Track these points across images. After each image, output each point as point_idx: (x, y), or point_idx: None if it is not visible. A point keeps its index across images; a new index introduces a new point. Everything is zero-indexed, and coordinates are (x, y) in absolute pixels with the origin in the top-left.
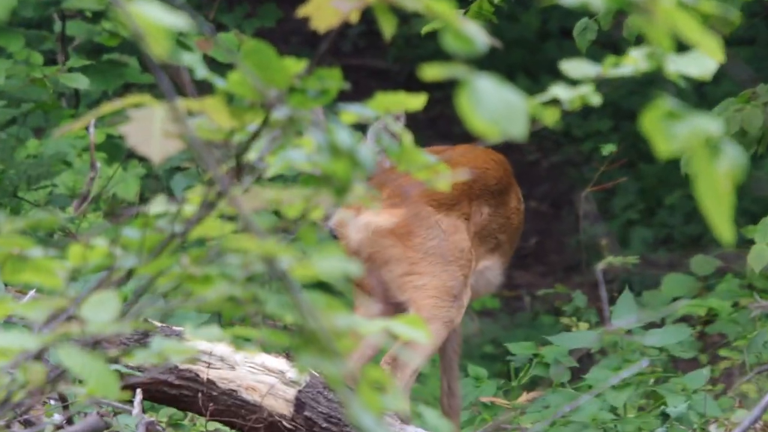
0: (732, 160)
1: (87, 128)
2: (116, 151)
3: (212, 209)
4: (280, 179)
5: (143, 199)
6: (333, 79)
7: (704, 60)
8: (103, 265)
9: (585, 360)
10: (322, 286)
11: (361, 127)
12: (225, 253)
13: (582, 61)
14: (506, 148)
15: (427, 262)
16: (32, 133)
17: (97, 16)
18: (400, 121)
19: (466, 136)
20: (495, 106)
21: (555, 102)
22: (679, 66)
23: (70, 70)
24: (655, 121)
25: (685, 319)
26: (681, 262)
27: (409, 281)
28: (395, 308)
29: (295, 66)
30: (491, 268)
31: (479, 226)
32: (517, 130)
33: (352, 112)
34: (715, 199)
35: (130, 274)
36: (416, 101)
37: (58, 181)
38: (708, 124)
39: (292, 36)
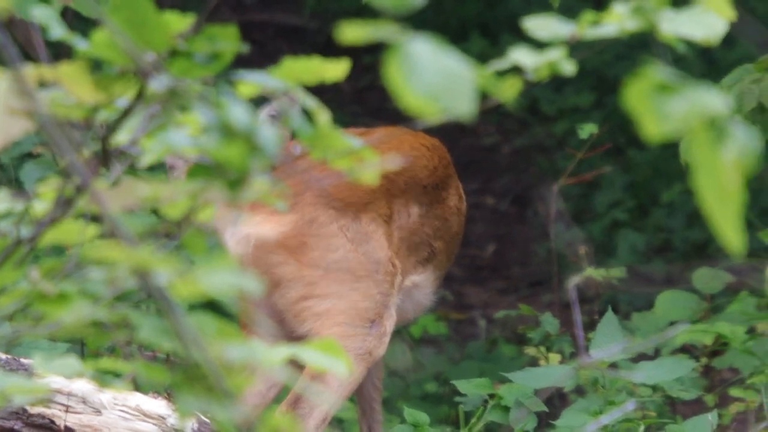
0: (742, 145)
1: None
2: None
3: (70, 208)
4: (161, 169)
5: None
6: (228, 40)
7: (710, 18)
8: None
9: (556, 402)
10: (212, 306)
11: (266, 102)
12: (86, 264)
13: (551, 17)
14: (455, 131)
15: (329, 280)
16: None
17: None
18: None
19: (402, 115)
20: (433, 77)
21: (517, 71)
22: (677, 26)
23: None
24: (641, 95)
25: (685, 350)
26: (681, 276)
27: (308, 307)
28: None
29: (179, 23)
30: (422, 285)
31: (406, 231)
32: (462, 107)
33: (253, 82)
34: (720, 197)
35: None
36: (337, 69)
37: None
38: (710, 99)
39: None
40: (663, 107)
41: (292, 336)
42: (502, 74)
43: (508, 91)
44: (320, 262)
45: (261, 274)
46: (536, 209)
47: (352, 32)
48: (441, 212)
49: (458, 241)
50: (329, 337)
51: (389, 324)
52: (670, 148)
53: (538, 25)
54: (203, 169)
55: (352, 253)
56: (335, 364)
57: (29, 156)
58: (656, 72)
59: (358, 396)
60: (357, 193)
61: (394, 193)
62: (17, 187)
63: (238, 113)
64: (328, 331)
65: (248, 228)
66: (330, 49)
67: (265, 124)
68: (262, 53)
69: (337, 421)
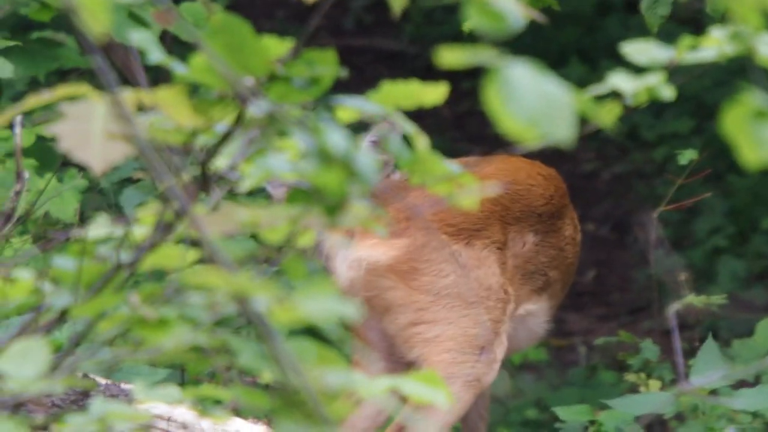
0: None
1: (11, 127)
2: (49, 157)
3: (169, 233)
4: (261, 194)
5: (84, 219)
6: (327, 64)
7: None
8: (28, 305)
9: (656, 429)
10: (312, 333)
11: (364, 128)
12: (186, 290)
13: (650, 42)
14: (555, 157)
15: (440, 306)
16: None
17: None
18: (396, 129)
19: (501, 140)
20: (532, 102)
21: (615, 96)
22: None
23: None
24: (739, 121)
25: None
26: None
27: (418, 333)
28: (403, 368)
29: (278, 47)
30: (536, 314)
31: (521, 259)
32: (562, 132)
33: (351, 106)
34: None
35: (63, 315)
36: (435, 93)
37: None
38: None
39: (278, 9)
40: (760, 133)
41: (402, 361)
42: (601, 99)
43: (607, 116)
44: (431, 287)
45: (372, 299)
46: (636, 236)
47: (451, 56)
48: (556, 241)
49: (573, 271)
50: (439, 363)
51: (500, 351)
52: None
53: (636, 50)
54: (302, 195)
55: (463, 279)
56: (437, 396)
57: (129, 181)
58: (754, 98)
59: (464, 424)
60: (470, 219)
61: (508, 221)
62: (117, 212)
63: (336, 139)
64: (437, 358)
65: (360, 252)
66: (429, 74)
67: (365, 150)
68: (361, 79)
69: None
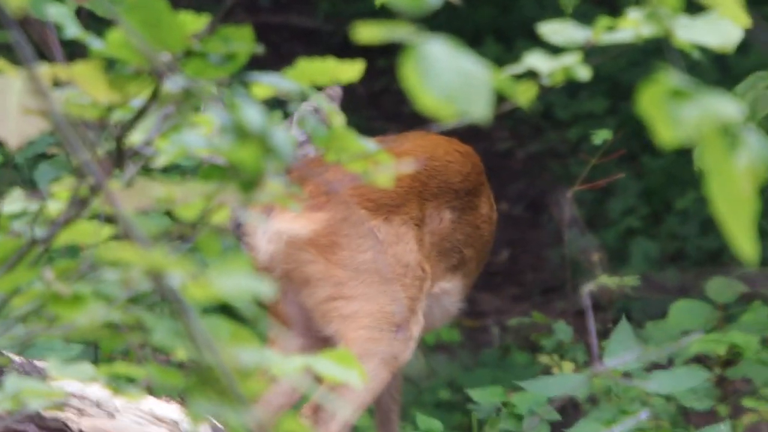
0: (755, 152)
1: None
2: None
3: (84, 208)
4: (177, 170)
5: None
6: (242, 41)
7: (725, 26)
8: None
9: (569, 410)
10: (227, 310)
11: (280, 104)
12: (100, 266)
13: (566, 22)
14: (470, 135)
15: (358, 281)
16: None
17: None
18: (335, 101)
19: (417, 118)
20: (449, 79)
21: (532, 75)
22: (692, 33)
23: None
24: (655, 101)
25: (699, 359)
26: (695, 284)
27: (336, 308)
28: (321, 344)
29: (194, 23)
30: (450, 292)
31: (438, 236)
32: (479, 109)
33: (267, 83)
34: (733, 204)
35: None
36: (351, 70)
37: None
38: (724, 106)
39: None
40: (676, 113)
41: (319, 336)
42: (517, 78)
43: (524, 95)
44: (350, 262)
45: (291, 272)
46: (550, 215)
47: (368, 33)
48: (473, 219)
49: (488, 250)
50: (355, 339)
51: (416, 329)
52: (684, 155)
53: (553, 30)
54: (217, 170)
55: (382, 255)
56: (350, 376)
57: (44, 156)
58: (670, 78)
59: (377, 407)
60: (389, 195)
61: (426, 197)
62: (32, 187)
63: (251, 115)
64: (354, 334)
65: (280, 224)
66: (344, 51)
67: (306, 116)
68: (277, 55)
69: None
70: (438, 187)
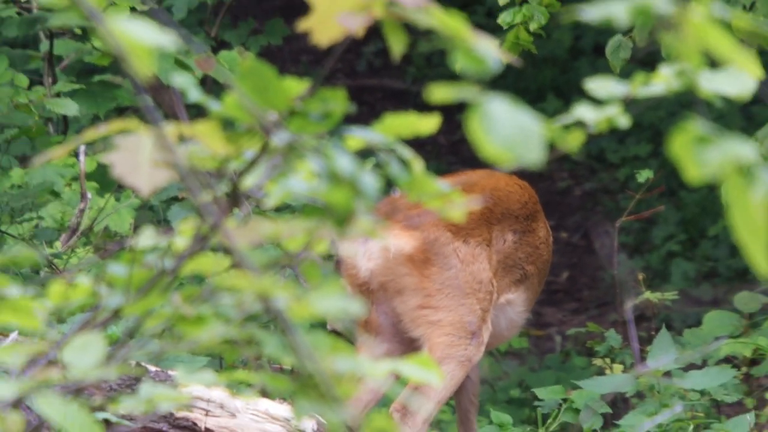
0: None
1: (77, 156)
2: (108, 180)
3: (205, 243)
4: (288, 209)
5: (138, 232)
6: (337, 101)
7: (741, 77)
8: (86, 305)
9: (619, 404)
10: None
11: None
12: (219, 291)
13: (607, 78)
14: (535, 176)
15: (443, 294)
16: (17, 161)
17: (87, 34)
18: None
19: (489, 163)
20: (507, 131)
21: (580, 125)
22: (714, 84)
23: (58, 93)
24: (684, 145)
25: (728, 360)
26: (725, 298)
27: (424, 315)
28: (405, 345)
29: (296, 87)
30: (515, 303)
31: (503, 254)
32: (533, 156)
33: (358, 136)
34: (751, 231)
35: (117, 314)
36: (430, 123)
37: (44, 212)
38: (740, 148)
39: (302, 54)
40: (702, 156)
41: (405, 339)
42: (568, 128)
43: (573, 142)
44: (438, 277)
45: (387, 283)
46: (602, 242)
47: (439, 93)
48: (532, 240)
49: (547, 268)
50: (439, 344)
51: (486, 335)
52: (715, 191)
53: (598, 86)
54: (316, 210)
55: (462, 273)
56: (430, 377)
57: (175, 199)
58: (696, 126)
59: (457, 407)
60: (467, 220)
61: (492, 222)
62: (166, 225)
63: (344, 162)
64: (438, 339)
65: (386, 241)
66: (429, 108)
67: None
68: (372, 113)
69: (437, 422)
70: (502, 213)
